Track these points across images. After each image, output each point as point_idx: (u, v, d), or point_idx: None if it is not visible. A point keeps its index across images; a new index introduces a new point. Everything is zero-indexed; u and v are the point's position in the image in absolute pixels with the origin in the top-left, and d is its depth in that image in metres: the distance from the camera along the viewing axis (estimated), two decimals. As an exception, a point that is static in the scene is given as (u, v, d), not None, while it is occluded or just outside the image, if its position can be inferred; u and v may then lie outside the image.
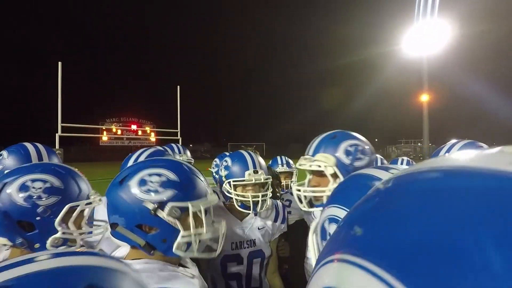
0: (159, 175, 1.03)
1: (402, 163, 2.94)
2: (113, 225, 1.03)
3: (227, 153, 3.29)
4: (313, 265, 0.74)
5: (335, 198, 0.77)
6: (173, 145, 3.22)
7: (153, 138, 32.38)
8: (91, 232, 1.26)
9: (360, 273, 0.25)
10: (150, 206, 0.99)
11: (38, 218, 1.12)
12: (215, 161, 3.29)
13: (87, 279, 0.42)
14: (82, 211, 1.22)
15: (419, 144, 43.90)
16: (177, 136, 22.49)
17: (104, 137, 33.76)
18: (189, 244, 1.05)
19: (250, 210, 1.87)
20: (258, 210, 1.87)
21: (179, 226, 1.02)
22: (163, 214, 1.00)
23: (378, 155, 3.41)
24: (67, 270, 0.43)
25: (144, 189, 1.00)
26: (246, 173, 1.89)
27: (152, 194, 1.00)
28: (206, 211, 1.09)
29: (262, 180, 1.91)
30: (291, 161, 3.24)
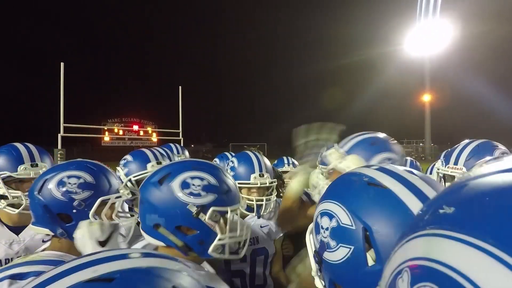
0: (201, 178, 1.07)
1: (405, 164, 2.92)
2: (156, 226, 1.06)
3: (228, 153, 3.29)
4: (311, 264, 0.76)
5: (327, 195, 0.79)
6: (172, 145, 3.23)
7: (154, 138, 32.40)
8: (120, 222, 1.37)
9: (453, 243, 0.28)
10: (193, 209, 1.02)
11: (74, 210, 1.24)
12: (215, 161, 3.31)
13: (174, 281, 0.46)
14: (113, 204, 1.34)
15: (421, 144, 43.78)
16: (179, 137, 22.50)
17: (106, 138, 33.83)
18: (223, 247, 1.09)
19: (254, 212, 1.87)
20: (261, 213, 1.88)
21: (217, 230, 1.06)
22: (204, 218, 1.04)
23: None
24: (160, 271, 0.47)
25: (187, 192, 1.04)
26: (252, 176, 1.88)
27: (195, 197, 1.04)
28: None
29: (268, 184, 1.90)
30: (296, 162, 3.21)
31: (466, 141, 1.92)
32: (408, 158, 3.05)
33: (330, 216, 0.72)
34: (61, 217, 1.24)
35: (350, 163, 1.43)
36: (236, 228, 1.12)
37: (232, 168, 1.96)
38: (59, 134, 15.63)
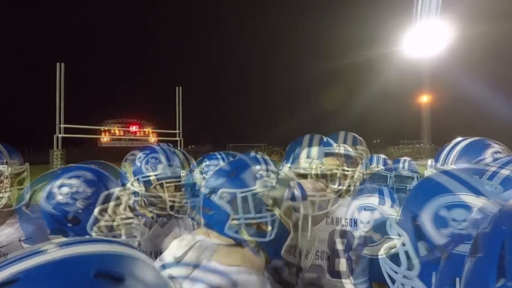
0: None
1: (404, 164, 2.94)
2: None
3: (217, 153, 3.13)
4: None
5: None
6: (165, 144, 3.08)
7: (153, 139, 32.34)
8: (133, 218, 1.33)
9: None
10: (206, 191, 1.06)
11: (80, 211, 1.21)
12: (205, 162, 3.15)
13: (95, 266, 0.42)
14: (119, 198, 1.30)
15: (420, 145, 43.86)
16: (178, 137, 22.47)
17: (105, 138, 33.74)
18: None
19: None
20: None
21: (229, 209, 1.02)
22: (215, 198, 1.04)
23: (381, 155, 3.39)
24: (75, 259, 0.43)
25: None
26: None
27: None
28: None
29: None
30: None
31: (458, 139, 1.79)
32: (407, 158, 3.07)
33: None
34: (68, 221, 1.22)
35: None
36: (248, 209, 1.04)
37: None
38: (55, 135, 15.56)
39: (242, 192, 1.03)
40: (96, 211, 1.23)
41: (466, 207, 0.70)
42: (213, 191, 1.07)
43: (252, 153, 1.94)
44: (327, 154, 1.75)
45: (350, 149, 2.07)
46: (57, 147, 15.75)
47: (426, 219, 0.76)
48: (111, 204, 1.26)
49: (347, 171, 1.72)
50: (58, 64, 15.62)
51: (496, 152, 1.63)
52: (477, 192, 0.74)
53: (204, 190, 1.12)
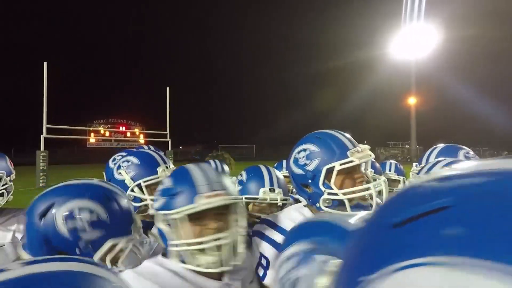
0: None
1: (390, 167, 2.95)
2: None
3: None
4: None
5: None
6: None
7: (142, 140, 31.92)
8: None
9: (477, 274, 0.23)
10: None
11: (77, 250, 1.03)
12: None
13: (56, 284, 0.42)
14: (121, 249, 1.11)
15: (407, 146, 44.63)
16: (167, 138, 22.26)
17: (92, 139, 33.13)
18: None
19: None
20: None
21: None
22: None
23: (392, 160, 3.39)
24: (35, 277, 0.42)
25: None
26: (261, 190, 1.71)
27: None
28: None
29: (279, 201, 1.70)
30: None
31: (440, 145, 2.09)
32: (393, 162, 3.07)
33: None
34: (59, 253, 1.03)
35: None
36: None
37: (240, 182, 1.81)
38: (42, 136, 15.21)
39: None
40: (95, 259, 1.04)
41: None
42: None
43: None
44: None
45: None
46: (44, 148, 15.40)
47: None
48: (113, 253, 1.08)
49: None
50: (45, 63, 15.29)
51: (467, 153, 1.93)
52: None
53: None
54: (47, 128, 15.48)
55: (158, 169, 1.70)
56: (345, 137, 1.40)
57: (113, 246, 1.07)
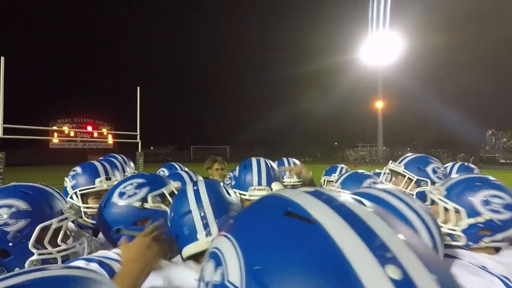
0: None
1: (341, 171, 2.93)
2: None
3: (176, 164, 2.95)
4: None
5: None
6: (117, 156, 2.92)
7: (110, 140, 30.68)
8: (74, 246, 1.23)
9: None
10: None
11: (10, 244, 1.09)
12: (162, 171, 3.00)
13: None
14: (58, 228, 1.19)
15: (374, 148, 46.66)
16: (137, 139, 21.59)
17: (55, 139, 31.36)
18: None
19: None
20: None
21: None
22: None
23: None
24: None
25: None
26: (249, 188, 1.75)
27: None
28: None
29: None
30: (298, 162, 2.75)
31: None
32: (344, 166, 3.02)
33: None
34: None
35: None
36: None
37: (233, 177, 1.86)
38: (-2, 135, 14.16)
39: None
40: (30, 245, 1.12)
41: None
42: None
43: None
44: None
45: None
46: (0, 149, 14.33)
47: None
48: (47, 237, 1.15)
49: None
50: (1, 58, 14.25)
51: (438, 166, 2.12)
52: None
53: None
54: (4, 128, 14.45)
55: (96, 180, 1.91)
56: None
57: (46, 229, 1.16)
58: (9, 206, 1.13)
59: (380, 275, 0.32)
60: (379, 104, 39.75)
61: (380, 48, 36.99)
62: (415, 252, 0.35)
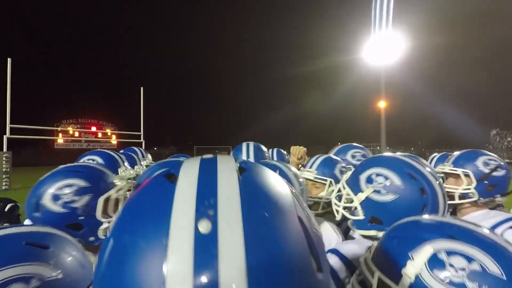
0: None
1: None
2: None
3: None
4: None
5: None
6: (136, 148, 3.20)
7: (114, 141, 30.93)
8: None
9: None
10: None
11: (81, 218, 1.22)
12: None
13: (26, 238, 0.66)
14: (118, 199, 1.33)
15: (378, 147, 46.40)
16: (140, 139, 21.78)
17: (60, 139, 31.66)
18: None
19: None
20: None
21: None
22: None
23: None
24: (10, 235, 0.66)
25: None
26: None
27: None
28: None
29: None
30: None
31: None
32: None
33: None
34: (70, 228, 1.21)
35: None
36: None
37: None
38: (4, 136, 14.40)
39: None
40: (98, 216, 1.23)
41: None
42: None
43: None
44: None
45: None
46: (7, 149, 14.57)
47: None
48: (110, 206, 1.29)
49: None
50: (9, 60, 14.50)
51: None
52: None
53: None
54: (11, 128, 14.68)
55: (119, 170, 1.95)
56: None
57: (107, 200, 1.28)
58: (70, 185, 1.23)
59: (187, 227, 0.37)
60: (381, 104, 39.69)
61: (383, 48, 36.94)
62: (249, 213, 0.39)
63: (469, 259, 0.63)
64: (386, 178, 1.13)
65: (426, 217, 0.80)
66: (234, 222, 0.38)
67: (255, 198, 0.42)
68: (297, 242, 0.40)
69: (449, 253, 0.65)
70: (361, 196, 1.17)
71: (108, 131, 33.25)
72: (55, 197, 1.20)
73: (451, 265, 0.63)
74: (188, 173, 0.46)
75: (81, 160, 2.02)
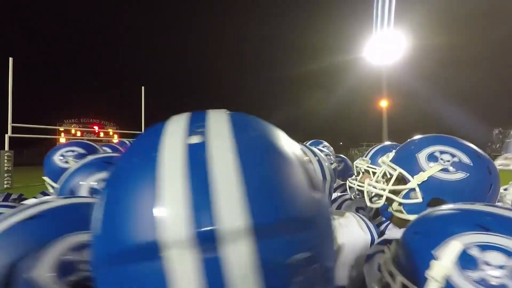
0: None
1: None
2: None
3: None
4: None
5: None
6: (127, 141, 3.12)
7: (115, 140, 30.95)
8: None
9: None
10: None
11: None
12: None
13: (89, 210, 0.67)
14: None
15: (379, 147, 46.34)
16: (142, 138, 21.77)
17: (62, 139, 31.73)
18: None
19: None
20: None
21: None
22: None
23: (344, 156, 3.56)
24: (81, 204, 0.71)
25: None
26: None
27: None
28: None
29: None
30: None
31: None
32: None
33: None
34: None
35: None
36: None
37: None
38: (6, 135, 14.40)
39: None
40: None
41: None
42: None
43: None
44: None
45: None
46: (9, 148, 14.57)
47: None
48: None
49: None
50: (10, 59, 14.49)
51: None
52: None
53: None
54: (13, 127, 14.67)
55: None
56: None
57: None
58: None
59: (178, 140, 0.39)
60: (383, 103, 39.59)
61: (385, 47, 36.86)
62: (236, 133, 0.41)
63: (510, 254, 0.51)
64: (453, 155, 1.01)
65: (451, 206, 0.70)
66: (223, 134, 0.40)
67: (243, 123, 0.46)
68: (287, 152, 0.42)
69: (483, 247, 0.53)
70: (424, 175, 1.03)
71: (110, 130, 33.27)
72: (93, 191, 1.12)
73: (487, 263, 0.52)
74: (177, 117, 0.50)
75: (60, 152, 1.95)
